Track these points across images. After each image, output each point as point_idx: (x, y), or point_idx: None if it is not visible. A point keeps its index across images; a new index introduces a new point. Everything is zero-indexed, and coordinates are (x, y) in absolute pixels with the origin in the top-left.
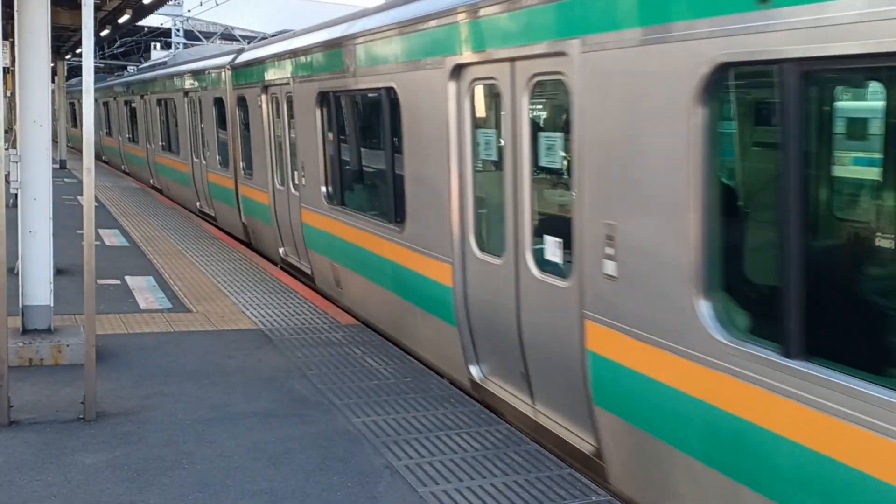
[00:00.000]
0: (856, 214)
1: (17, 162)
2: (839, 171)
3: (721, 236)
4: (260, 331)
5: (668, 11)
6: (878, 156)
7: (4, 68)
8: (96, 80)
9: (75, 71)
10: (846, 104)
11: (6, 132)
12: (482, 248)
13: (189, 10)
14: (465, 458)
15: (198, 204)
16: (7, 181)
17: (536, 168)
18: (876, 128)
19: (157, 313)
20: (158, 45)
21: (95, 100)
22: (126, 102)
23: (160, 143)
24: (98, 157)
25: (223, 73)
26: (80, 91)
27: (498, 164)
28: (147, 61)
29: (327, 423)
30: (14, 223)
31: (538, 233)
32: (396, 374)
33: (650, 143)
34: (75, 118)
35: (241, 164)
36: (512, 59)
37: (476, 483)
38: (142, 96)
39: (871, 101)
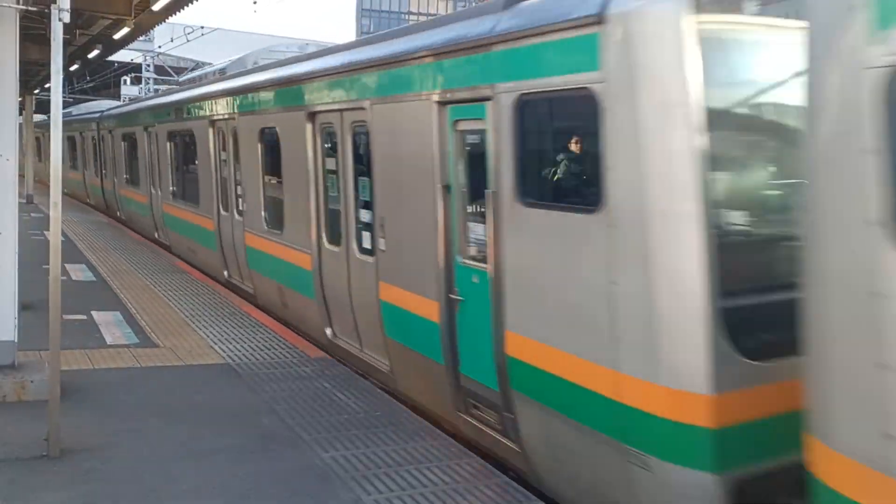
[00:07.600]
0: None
1: None
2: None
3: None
4: (228, 365)
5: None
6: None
7: None
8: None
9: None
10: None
11: None
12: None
13: (160, 46)
14: (436, 492)
15: (118, 213)
16: None
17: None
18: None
19: (123, 348)
20: (129, 79)
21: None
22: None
23: (92, 170)
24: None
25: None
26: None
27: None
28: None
29: (296, 459)
30: None
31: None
32: (366, 408)
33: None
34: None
35: (126, 177)
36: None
37: None
38: (80, 133)
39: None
